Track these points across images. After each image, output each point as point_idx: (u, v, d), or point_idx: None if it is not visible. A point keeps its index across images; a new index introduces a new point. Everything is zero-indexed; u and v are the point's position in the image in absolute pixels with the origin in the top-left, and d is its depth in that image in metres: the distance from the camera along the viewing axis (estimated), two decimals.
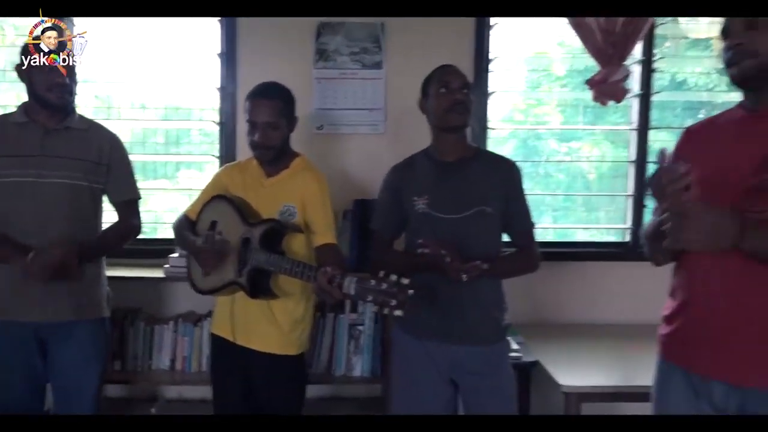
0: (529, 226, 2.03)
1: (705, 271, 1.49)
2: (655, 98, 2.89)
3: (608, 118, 3.05)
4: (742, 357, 1.42)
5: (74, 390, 2.12)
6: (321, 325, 2.63)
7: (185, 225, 2.18)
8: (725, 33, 1.47)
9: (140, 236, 2.29)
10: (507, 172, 2.01)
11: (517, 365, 2.31)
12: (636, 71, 2.87)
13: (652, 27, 2.79)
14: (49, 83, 2.02)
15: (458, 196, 1.94)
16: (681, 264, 1.59)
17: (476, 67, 2.80)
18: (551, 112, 3.18)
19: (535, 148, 3.14)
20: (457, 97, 1.94)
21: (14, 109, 2.12)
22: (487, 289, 1.97)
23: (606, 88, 2.67)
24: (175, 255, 2.56)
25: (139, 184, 2.27)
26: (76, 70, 2.11)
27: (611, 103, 2.72)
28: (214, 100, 2.88)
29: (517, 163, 2.05)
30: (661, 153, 1.37)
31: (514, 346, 2.36)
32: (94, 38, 2.49)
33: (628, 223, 2.98)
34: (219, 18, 2.80)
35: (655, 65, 2.88)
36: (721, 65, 1.49)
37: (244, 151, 2.65)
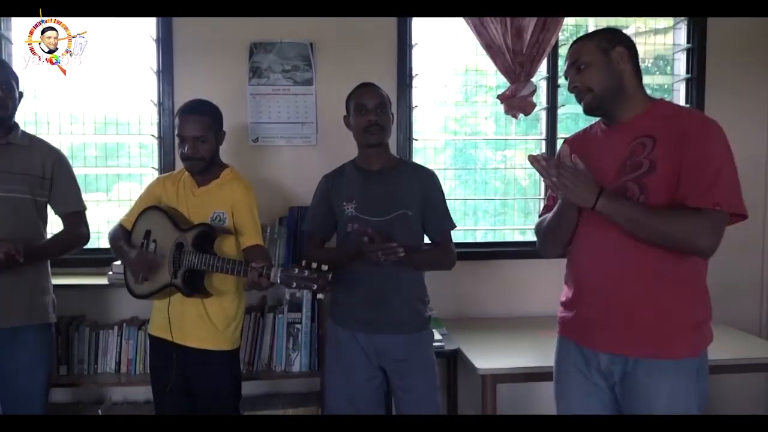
0: (446, 227, 2.26)
1: (589, 262, 1.79)
2: (562, 110, 3.21)
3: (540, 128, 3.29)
4: (619, 332, 1.71)
5: (22, 394, 2.19)
6: (261, 324, 2.78)
7: (120, 235, 2.29)
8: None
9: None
10: (425, 180, 2.24)
11: (442, 353, 2.55)
12: (542, 87, 3.18)
13: (556, 46, 3.11)
14: None
15: (383, 200, 2.16)
16: (571, 257, 1.88)
17: (399, 83, 3.03)
18: (484, 123, 3.38)
19: (471, 156, 3.36)
20: (370, 119, 2.15)
21: None
22: (409, 283, 2.20)
23: (515, 102, 2.96)
24: (118, 262, 2.66)
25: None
26: (16, 85, 2.17)
27: (521, 115, 3.01)
28: (152, 115, 3.00)
29: (437, 173, 2.30)
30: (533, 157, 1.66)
31: (438, 336, 2.60)
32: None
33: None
34: (155, 38, 2.93)
35: (559, 81, 3.19)
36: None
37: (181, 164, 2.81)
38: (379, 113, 2.16)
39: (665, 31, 3.37)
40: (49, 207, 2.32)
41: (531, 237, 3.26)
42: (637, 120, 1.72)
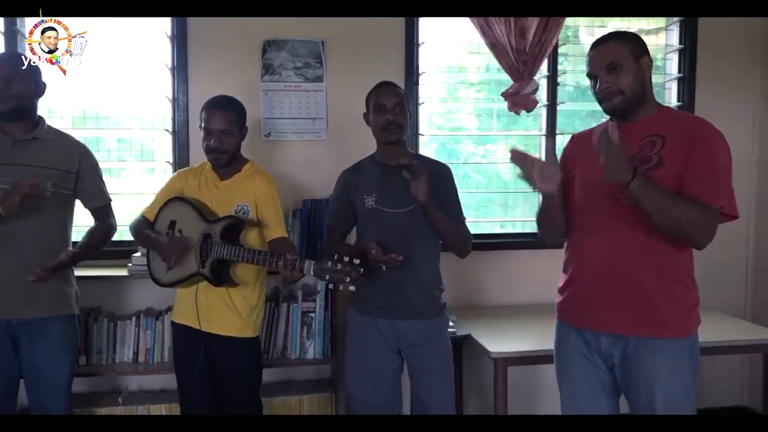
0: (460, 215, 2.37)
1: (588, 248, 1.93)
2: (561, 107, 3.33)
3: (521, 123, 3.44)
4: (621, 313, 1.85)
5: (48, 384, 2.24)
6: (276, 314, 2.87)
7: (145, 224, 2.36)
8: (591, 76, 1.88)
9: None
10: (440, 174, 2.35)
11: (453, 338, 2.66)
12: (543, 84, 3.30)
13: (556, 46, 3.24)
14: None
15: (401, 193, 2.24)
16: (569, 244, 2.02)
17: (407, 81, 3.13)
18: (467, 118, 3.48)
19: (453, 151, 3.47)
20: (389, 118, 2.24)
21: None
22: (426, 272, 2.31)
23: (518, 99, 3.09)
24: (138, 254, 2.73)
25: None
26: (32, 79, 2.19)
27: (523, 112, 3.13)
28: (166, 110, 3.06)
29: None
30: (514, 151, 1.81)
31: (450, 323, 2.71)
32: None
33: None
34: (170, 35, 3.00)
35: (559, 79, 3.32)
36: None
37: (196, 158, 2.90)
38: (398, 112, 2.26)
39: (657, 31, 3.52)
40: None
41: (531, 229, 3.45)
42: (649, 121, 1.86)
